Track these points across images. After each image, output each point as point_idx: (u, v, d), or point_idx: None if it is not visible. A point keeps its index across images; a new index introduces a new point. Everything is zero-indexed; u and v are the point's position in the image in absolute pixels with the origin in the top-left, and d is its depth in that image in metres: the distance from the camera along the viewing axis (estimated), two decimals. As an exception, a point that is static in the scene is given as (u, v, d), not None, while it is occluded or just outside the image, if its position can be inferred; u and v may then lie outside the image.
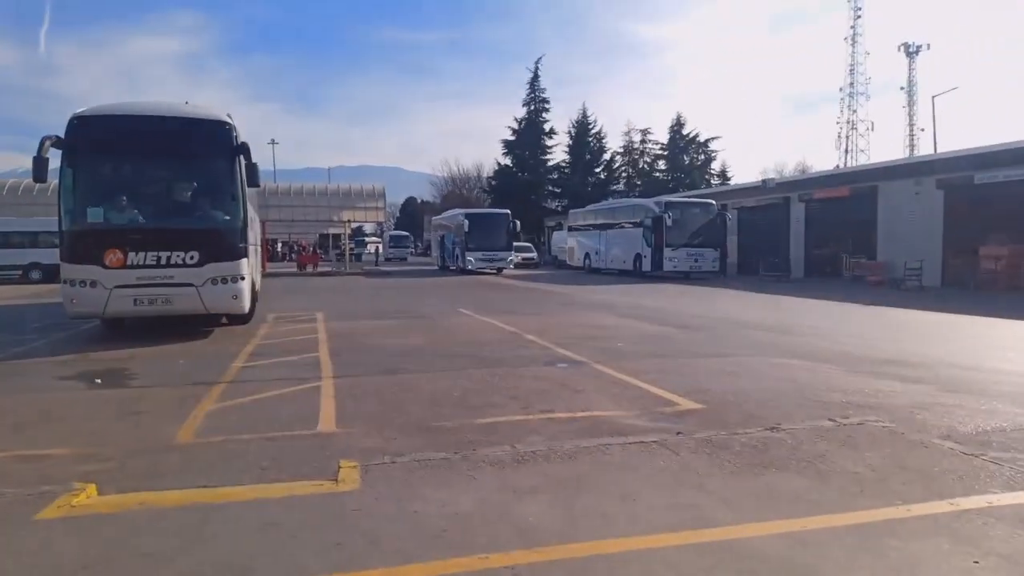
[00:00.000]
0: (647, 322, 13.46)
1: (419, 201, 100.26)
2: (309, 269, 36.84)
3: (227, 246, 10.90)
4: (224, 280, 10.78)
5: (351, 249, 41.16)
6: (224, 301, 10.94)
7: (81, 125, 10.37)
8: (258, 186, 11.85)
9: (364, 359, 9.16)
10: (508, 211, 36.57)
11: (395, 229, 78.63)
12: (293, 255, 49.65)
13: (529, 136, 61.34)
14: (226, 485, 4.33)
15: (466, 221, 34.27)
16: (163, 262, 10.44)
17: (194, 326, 11.99)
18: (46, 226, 29.13)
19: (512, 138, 62.39)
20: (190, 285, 10.53)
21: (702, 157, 61.48)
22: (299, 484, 4.34)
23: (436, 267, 41.49)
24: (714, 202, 31.65)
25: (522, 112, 62.49)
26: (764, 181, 36.02)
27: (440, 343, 10.59)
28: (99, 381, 7.76)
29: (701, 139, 60.97)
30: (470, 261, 34.17)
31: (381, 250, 58.32)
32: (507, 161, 63.27)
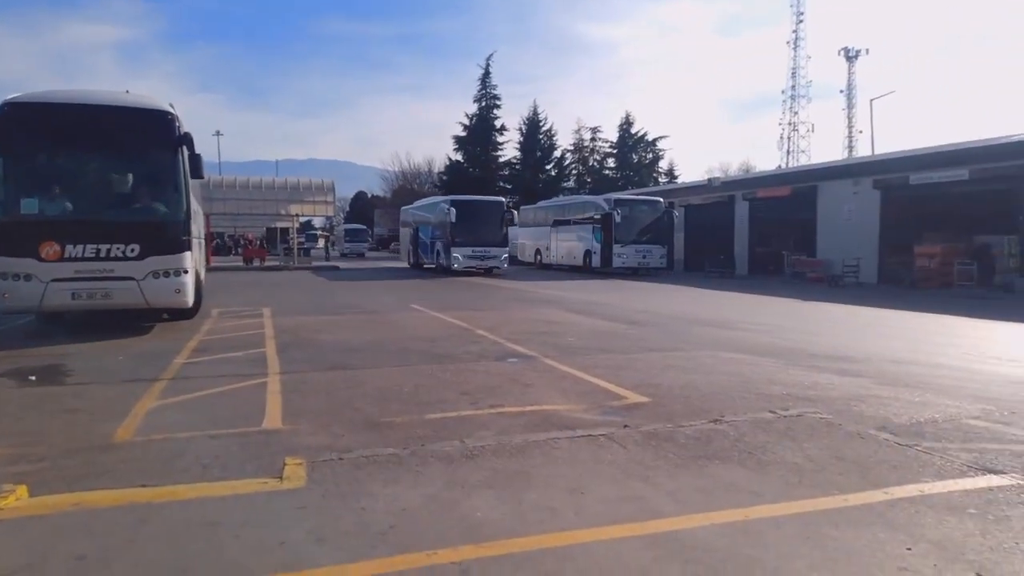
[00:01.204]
0: (597, 318, 13.59)
1: (369, 196, 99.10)
2: (256, 263, 36.12)
3: (169, 239, 10.60)
4: (166, 273, 10.47)
5: (300, 244, 40.47)
6: (166, 295, 10.63)
7: (14, 112, 9.97)
8: (202, 177, 11.55)
9: (312, 355, 9.02)
10: (503, 199, 31.41)
11: (347, 223, 75.22)
12: (239, 249, 48.59)
13: (480, 132, 61.23)
14: (166, 484, 4.21)
15: (452, 210, 28.30)
16: (103, 255, 10.10)
17: (136, 321, 11.63)
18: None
19: (463, 134, 62.21)
20: (131, 279, 10.22)
21: (650, 155, 62.49)
22: (242, 482, 4.25)
23: (407, 264, 35.90)
24: (662, 200, 32.15)
25: (473, 108, 62.41)
26: (710, 180, 36.71)
27: (390, 339, 10.50)
28: (33, 378, 7.45)
29: (649, 138, 62.04)
30: (456, 258, 28.37)
31: (331, 245, 57.27)
32: (458, 157, 63.06)
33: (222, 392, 6.81)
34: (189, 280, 10.87)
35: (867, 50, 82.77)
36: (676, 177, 62.11)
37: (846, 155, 71.98)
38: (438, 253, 30.26)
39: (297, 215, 36.72)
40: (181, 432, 5.36)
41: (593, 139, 64.35)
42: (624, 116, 62.50)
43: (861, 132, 77.95)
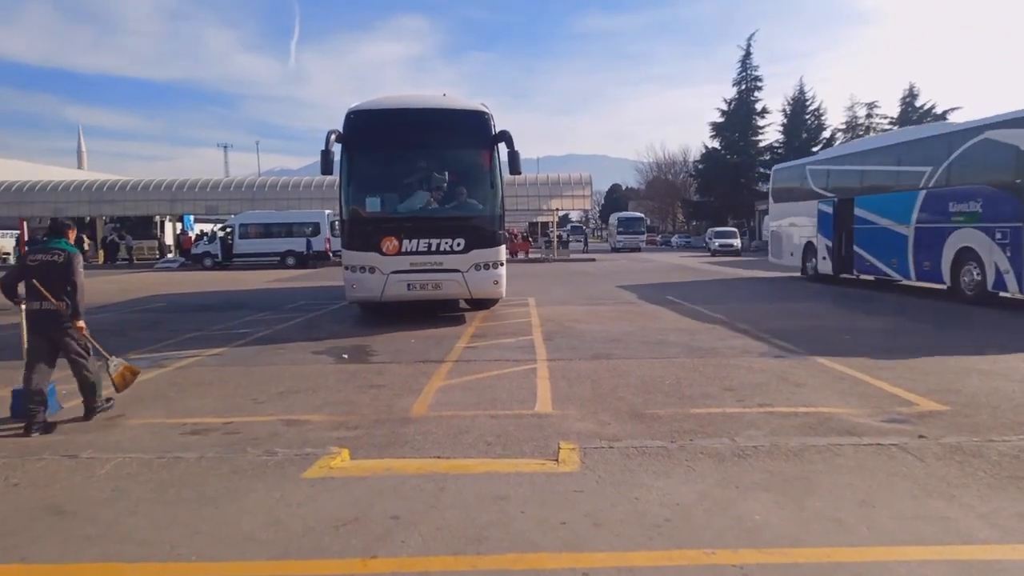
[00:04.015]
0: (876, 314, 12.33)
1: (623, 187, 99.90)
2: (520, 256, 38.30)
3: (488, 233, 11.26)
4: (486, 266, 11.12)
5: (559, 237, 42.04)
6: (486, 286, 11.29)
7: (357, 119, 11.12)
8: (519, 173, 11.65)
9: (575, 343, 9.36)
10: None
11: (609, 211, 67.53)
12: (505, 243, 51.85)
13: (739, 117, 58.60)
14: (457, 457, 4.69)
15: None
16: (433, 249, 10.93)
17: (432, 309, 12.71)
18: (299, 218, 33.22)
19: (720, 120, 60.03)
20: (456, 271, 10.98)
21: (939, 131, 54.58)
22: (523, 461, 4.58)
23: (796, 272, 21.22)
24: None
25: (731, 92, 59.97)
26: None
27: (649, 330, 10.50)
28: (346, 356, 8.68)
29: (938, 110, 54.15)
30: None
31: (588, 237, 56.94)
32: (715, 144, 61.07)
33: (498, 375, 7.36)
34: (504, 272, 11.49)
35: None
36: (973, 153, 53.66)
37: None
38: (980, 264, 13.19)
39: (557, 209, 38.17)
40: (466, 410, 5.93)
41: (869, 116, 57.91)
42: (907, 88, 55.46)
43: None
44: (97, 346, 6.12)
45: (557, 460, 4.57)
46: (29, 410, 5.45)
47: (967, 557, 3.17)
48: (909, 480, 4.15)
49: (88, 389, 5.81)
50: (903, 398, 6.19)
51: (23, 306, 5.71)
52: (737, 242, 43.11)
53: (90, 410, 5.85)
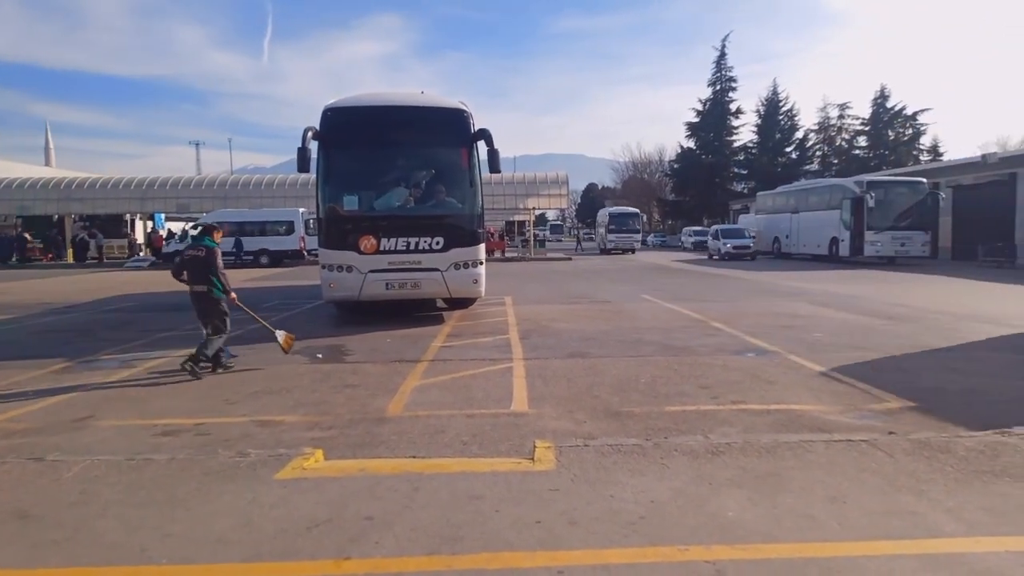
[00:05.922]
0: (848, 311, 12.50)
1: (599, 187, 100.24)
2: (496, 255, 38.29)
3: (468, 232, 11.16)
4: (465, 265, 11.02)
5: (536, 236, 42.03)
6: (466, 285, 11.19)
7: (335, 116, 10.94)
8: (499, 171, 11.36)
9: (551, 342, 9.37)
10: None
11: (612, 208, 52.43)
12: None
13: (714, 117, 59.27)
14: (433, 457, 4.67)
15: None
16: (412, 248, 10.81)
17: (408, 308, 12.57)
18: (273, 216, 32.85)
19: (696, 120, 60.69)
20: (436, 270, 10.87)
21: (909, 131, 55.53)
22: (499, 460, 4.58)
23: None
24: (924, 180, 28.57)
25: (707, 92, 60.64)
26: (984, 156, 31.75)
27: (625, 329, 10.55)
28: (320, 356, 8.60)
29: (908, 112, 55.13)
30: None
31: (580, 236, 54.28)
32: (690, 144, 61.71)
33: (474, 375, 7.35)
34: (483, 271, 11.39)
35: None
36: (941, 154, 54.70)
37: None
38: None
39: (533, 208, 38.23)
40: (442, 410, 5.91)
41: (841, 116, 58.74)
42: (878, 89, 56.30)
43: None
44: (265, 323, 8.34)
45: (533, 459, 4.57)
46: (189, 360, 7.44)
47: (934, 550, 3.23)
48: (878, 476, 4.21)
49: (202, 346, 7.53)
50: (874, 394, 6.29)
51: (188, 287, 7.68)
52: (752, 243, 34.14)
53: (193, 360, 7.42)
